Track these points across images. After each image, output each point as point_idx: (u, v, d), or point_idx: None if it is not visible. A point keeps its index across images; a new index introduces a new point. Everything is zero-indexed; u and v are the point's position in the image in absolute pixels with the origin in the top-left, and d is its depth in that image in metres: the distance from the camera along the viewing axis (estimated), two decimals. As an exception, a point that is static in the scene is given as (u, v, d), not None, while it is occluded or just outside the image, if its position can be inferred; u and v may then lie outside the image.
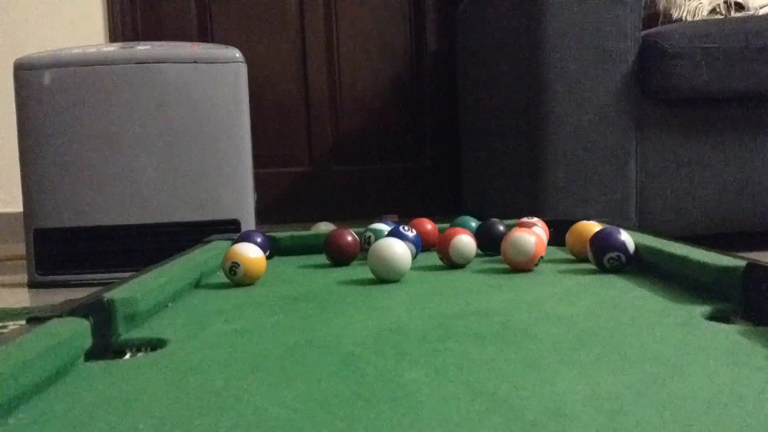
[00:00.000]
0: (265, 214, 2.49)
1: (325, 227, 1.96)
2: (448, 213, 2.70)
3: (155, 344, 0.66)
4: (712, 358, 0.52)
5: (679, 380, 0.47)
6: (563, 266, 0.96)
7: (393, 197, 2.75)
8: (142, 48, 1.72)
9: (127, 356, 0.65)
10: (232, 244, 0.98)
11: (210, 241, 1.16)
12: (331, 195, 2.72)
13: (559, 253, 1.08)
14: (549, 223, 1.21)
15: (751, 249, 1.69)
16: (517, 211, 1.73)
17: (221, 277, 0.97)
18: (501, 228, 1.06)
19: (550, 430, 0.39)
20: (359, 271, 1.00)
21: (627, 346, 0.56)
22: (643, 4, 1.68)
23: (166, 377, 0.53)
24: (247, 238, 1.09)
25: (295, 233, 1.21)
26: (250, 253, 0.92)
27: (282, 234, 1.20)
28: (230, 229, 1.69)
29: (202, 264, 0.99)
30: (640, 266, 0.90)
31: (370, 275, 0.93)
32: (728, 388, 0.45)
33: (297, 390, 0.48)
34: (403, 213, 2.72)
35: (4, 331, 1.22)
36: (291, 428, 0.41)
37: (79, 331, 0.59)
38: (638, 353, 0.54)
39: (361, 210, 2.71)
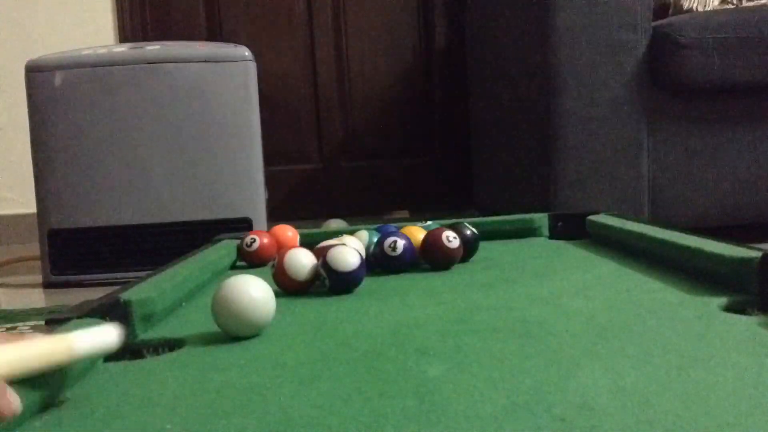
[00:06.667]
0: (276, 211, 2.49)
1: (335, 224, 1.96)
2: (458, 208, 2.70)
3: (173, 344, 0.66)
4: (733, 349, 0.52)
5: (703, 371, 0.47)
6: (574, 261, 0.95)
7: (403, 193, 2.75)
8: (152, 48, 1.73)
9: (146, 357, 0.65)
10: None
11: (219, 240, 1.17)
12: (341, 192, 2.72)
13: (568, 247, 1.07)
14: (558, 217, 1.20)
15: (766, 240, 1.68)
16: (528, 205, 1.72)
17: (231, 276, 0.97)
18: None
19: (579, 424, 0.39)
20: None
21: (647, 338, 0.56)
22: (653, -5, 1.67)
23: (189, 377, 0.53)
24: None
25: (305, 231, 1.21)
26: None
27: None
28: (242, 228, 1.69)
29: (214, 263, 0.99)
30: (653, 258, 0.89)
31: (380, 271, 0.93)
32: (753, 378, 0.45)
33: (321, 387, 0.48)
34: (413, 209, 2.72)
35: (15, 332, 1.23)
36: (320, 425, 0.41)
37: (98, 331, 0.59)
38: (659, 345, 0.54)
39: (372, 206, 2.71)
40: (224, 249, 1.08)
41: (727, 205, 1.70)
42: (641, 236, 0.94)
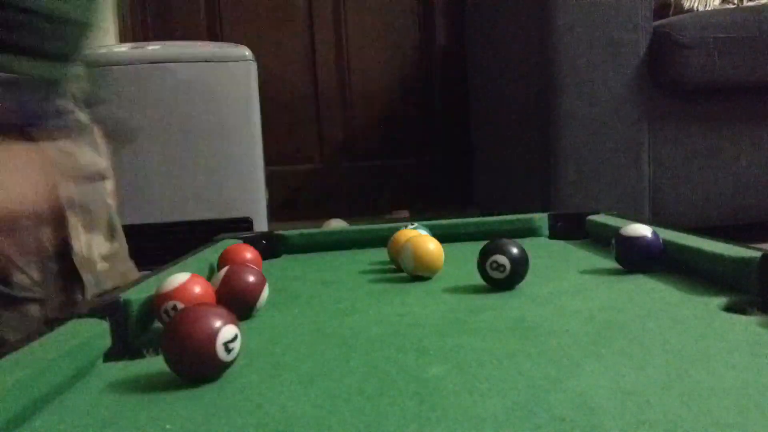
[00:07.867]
0: (277, 211, 2.49)
1: (336, 224, 1.96)
2: (459, 208, 2.70)
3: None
4: (733, 349, 0.52)
5: (703, 372, 0.47)
6: (574, 261, 0.95)
7: (404, 193, 2.75)
8: (153, 48, 1.73)
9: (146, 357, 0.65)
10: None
11: (219, 240, 1.16)
12: (342, 191, 2.72)
13: (568, 247, 1.07)
14: (558, 217, 1.20)
15: (766, 240, 1.68)
16: (528, 205, 1.72)
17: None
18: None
19: (579, 424, 0.39)
20: (368, 267, 0.99)
21: (647, 339, 0.56)
22: (653, -5, 1.67)
23: (189, 376, 0.53)
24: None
25: (304, 231, 1.20)
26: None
27: (291, 232, 1.20)
28: (243, 227, 1.69)
29: (213, 264, 0.99)
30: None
31: (380, 271, 0.93)
32: (753, 378, 0.45)
33: (321, 387, 0.48)
34: (414, 209, 2.72)
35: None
36: (319, 426, 0.41)
37: (98, 332, 0.59)
38: (659, 346, 0.54)
39: (373, 206, 2.71)
40: (224, 249, 1.08)
41: (727, 205, 1.70)
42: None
